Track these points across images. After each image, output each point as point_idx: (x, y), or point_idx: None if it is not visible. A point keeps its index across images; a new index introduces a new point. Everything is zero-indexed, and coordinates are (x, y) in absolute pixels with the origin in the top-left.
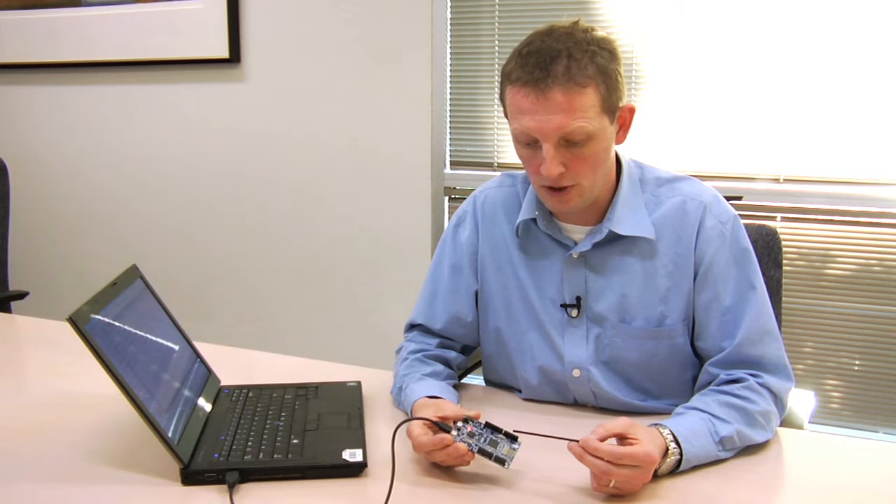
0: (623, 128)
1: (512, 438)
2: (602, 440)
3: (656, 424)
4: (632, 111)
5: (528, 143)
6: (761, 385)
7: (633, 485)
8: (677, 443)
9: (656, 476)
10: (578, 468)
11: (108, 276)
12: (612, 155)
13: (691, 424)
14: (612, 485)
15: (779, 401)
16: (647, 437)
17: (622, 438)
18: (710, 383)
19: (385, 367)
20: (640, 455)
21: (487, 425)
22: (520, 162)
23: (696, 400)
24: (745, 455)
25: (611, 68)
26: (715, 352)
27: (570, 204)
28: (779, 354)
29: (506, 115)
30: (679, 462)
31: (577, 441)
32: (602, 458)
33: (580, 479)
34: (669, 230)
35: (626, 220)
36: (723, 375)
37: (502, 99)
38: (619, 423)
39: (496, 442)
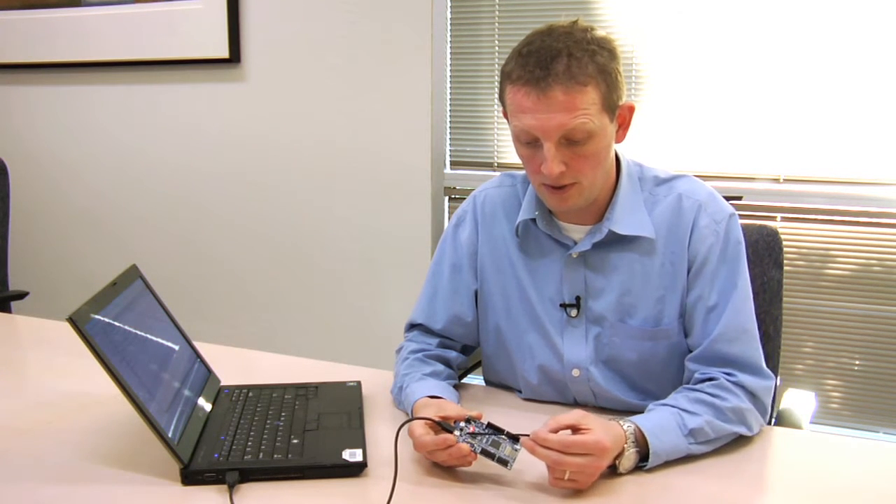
0: (623, 126)
1: (514, 439)
2: (554, 432)
3: (619, 419)
4: (631, 109)
5: (528, 142)
6: (734, 383)
7: (587, 474)
8: (642, 437)
9: (616, 471)
10: None
11: (108, 276)
12: (612, 154)
13: (658, 419)
14: (566, 476)
15: (756, 399)
16: (600, 426)
17: (575, 430)
18: (689, 380)
19: (385, 367)
20: (590, 443)
21: (489, 426)
22: (520, 162)
23: (668, 398)
24: (744, 454)
25: (610, 67)
26: (696, 348)
27: (570, 202)
28: (755, 355)
29: (505, 116)
30: (646, 456)
31: (529, 435)
32: (552, 448)
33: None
34: (665, 229)
35: (626, 219)
36: (697, 374)
37: (502, 99)
38: (572, 415)
39: (498, 443)
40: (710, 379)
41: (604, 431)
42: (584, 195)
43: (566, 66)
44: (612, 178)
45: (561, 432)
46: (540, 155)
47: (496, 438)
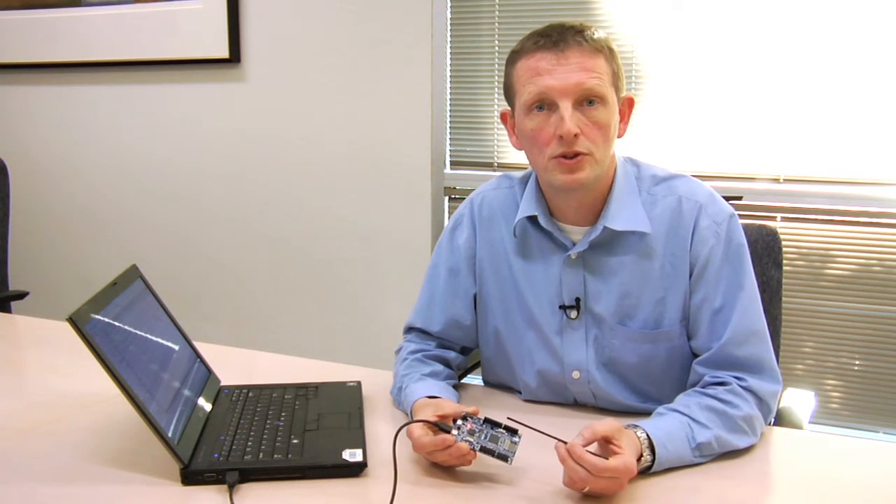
0: (623, 120)
1: (512, 432)
2: (589, 443)
3: (633, 425)
4: (631, 102)
5: (540, 108)
6: (745, 389)
7: (606, 493)
8: (650, 444)
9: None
10: None
11: (108, 276)
12: (614, 142)
13: (668, 427)
14: (585, 490)
15: (763, 405)
16: (629, 445)
17: (607, 440)
18: (697, 383)
19: (385, 367)
20: (621, 468)
21: (487, 420)
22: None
23: (678, 401)
24: (744, 455)
25: (615, 55)
26: (704, 352)
27: (582, 174)
28: (765, 356)
29: (508, 99)
30: (650, 465)
31: (566, 443)
32: (584, 468)
33: None
34: (665, 230)
35: (621, 215)
36: (707, 378)
37: (508, 81)
38: (608, 426)
39: (497, 437)
40: (722, 383)
41: (632, 453)
42: (594, 169)
43: (580, 33)
44: (609, 177)
45: (594, 444)
46: (552, 122)
47: (494, 433)
